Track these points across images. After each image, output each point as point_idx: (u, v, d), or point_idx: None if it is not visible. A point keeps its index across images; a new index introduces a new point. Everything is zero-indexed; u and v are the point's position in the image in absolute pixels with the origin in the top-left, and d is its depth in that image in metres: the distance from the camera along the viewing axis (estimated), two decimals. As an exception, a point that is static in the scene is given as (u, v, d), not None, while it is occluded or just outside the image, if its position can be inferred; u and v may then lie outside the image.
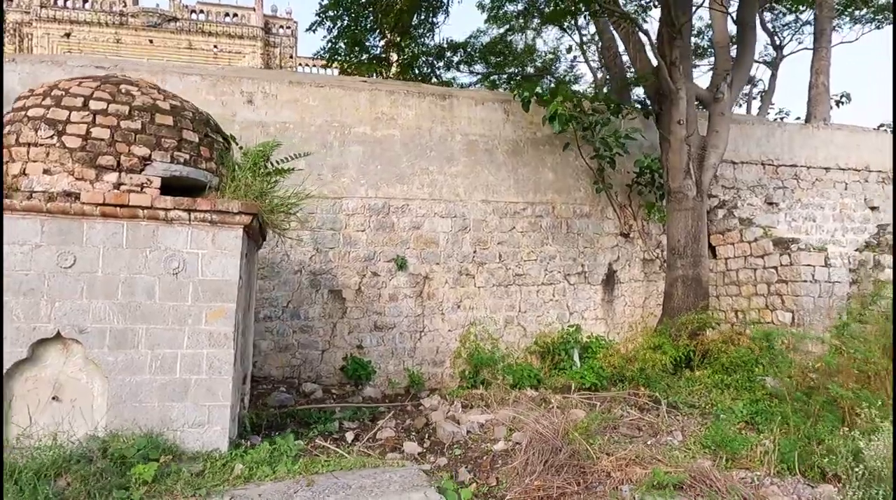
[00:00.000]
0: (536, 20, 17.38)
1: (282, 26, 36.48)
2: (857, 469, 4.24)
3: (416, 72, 16.33)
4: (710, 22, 12.06)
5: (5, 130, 4.69)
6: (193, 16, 34.56)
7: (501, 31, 17.96)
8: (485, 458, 5.53)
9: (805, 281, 8.08)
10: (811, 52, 13.46)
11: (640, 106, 9.53)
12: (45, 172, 4.54)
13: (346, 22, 14.90)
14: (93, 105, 4.71)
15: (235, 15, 35.22)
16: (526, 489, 4.52)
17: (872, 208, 11.52)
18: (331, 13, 14.36)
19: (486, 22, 17.53)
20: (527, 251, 9.26)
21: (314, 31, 14.27)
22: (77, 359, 4.33)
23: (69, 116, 4.64)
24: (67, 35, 32.52)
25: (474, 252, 9.01)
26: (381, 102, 8.83)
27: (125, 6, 33.50)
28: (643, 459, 5.20)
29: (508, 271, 9.15)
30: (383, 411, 7.07)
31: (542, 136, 9.36)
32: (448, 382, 8.67)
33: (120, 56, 30.59)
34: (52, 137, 4.57)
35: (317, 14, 13.80)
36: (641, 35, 9.29)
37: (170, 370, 4.42)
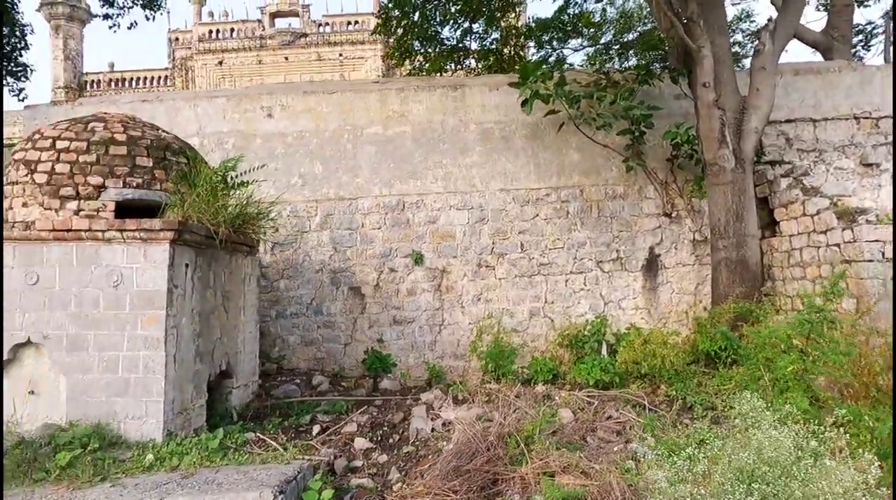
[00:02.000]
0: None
1: (391, 37, 37.82)
2: None
3: (500, 56, 15.98)
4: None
5: (5, 171, 5.72)
6: (320, 29, 37.31)
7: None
8: (429, 457, 5.52)
9: (870, 261, 6.68)
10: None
11: (669, 70, 8.49)
12: (24, 205, 5.46)
13: (415, 18, 15.13)
14: (58, 145, 5.55)
15: (357, 22, 37.32)
16: (413, 493, 4.48)
17: None
18: (396, 13, 14.70)
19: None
20: (552, 239, 8.81)
21: (380, 34, 14.73)
22: (46, 360, 5.19)
23: (40, 156, 5.51)
24: (220, 63, 37.09)
25: (493, 243, 8.80)
26: (391, 101, 8.98)
27: (264, 30, 37.25)
28: (573, 468, 4.82)
29: (532, 261, 8.79)
30: (378, 404, 7.30)
31: (565, 116, 8.79)
32: (470, 375, 8.62)
33: (261, 75, 34.33)
34: (26, 175, 5.47)
35: (376, 16, 14.22)
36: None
37: (114, 370, 5.10)
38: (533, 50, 17.57)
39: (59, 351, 5.12)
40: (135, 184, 5.61)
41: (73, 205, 5.42)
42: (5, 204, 5.59)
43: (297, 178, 8.82)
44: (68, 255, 5.18)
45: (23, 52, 14.02)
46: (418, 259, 8.75)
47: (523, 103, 7.79)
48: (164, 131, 6.23)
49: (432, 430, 6.18)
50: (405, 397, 7.68)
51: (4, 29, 13.05)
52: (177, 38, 38.80)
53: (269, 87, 9.35)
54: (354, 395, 7.67)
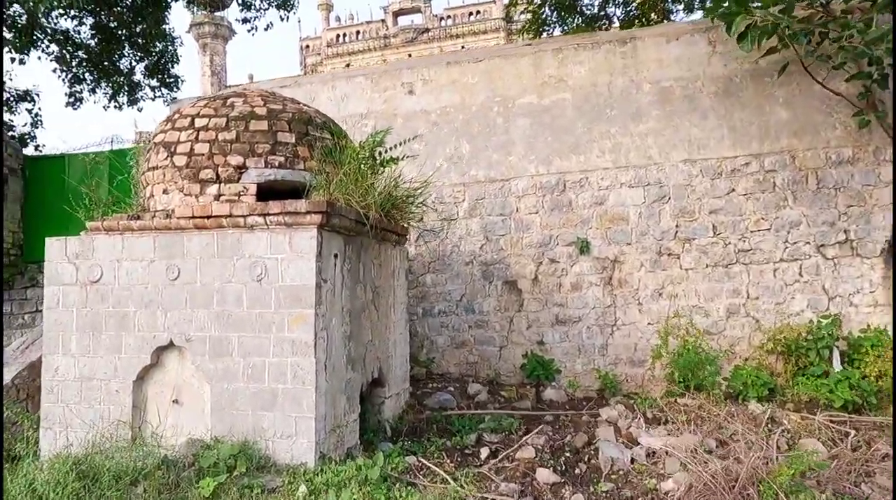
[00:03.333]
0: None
1: (522, 11, 36.41)
2: None
3: (647, 22, 14.15)
4: None
5: (143, 158, 5.24)
6: (442, 23, 36.90)
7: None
8: (640, 502, 4.23)
9: None
10: None
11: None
12: (164, 191, 4.92)
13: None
14: (197, 122, 4.94)
15: (478, 12, 36.44)
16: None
17: None
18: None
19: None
20: (754, 219, 7.07)
21: (515, 7, 13.50)
22: (189, 365, 4.57)
23: (179, 136, 4.94)
24: (348, 65, 37.98)
25: (677, 226, 7.24)
26: (546, 64, 7.71)
27: (387, 29, 37.57)
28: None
29: (728, 247, 7.11)
30: (549, 420, 6.11)
31: (768, 64, 7.00)
32: (651, 386, 7.16)
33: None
34: (166, 158, 4.92)
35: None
36: None
37: (260, 379, 4.36)
38: (682, 14, 15.40)
39: (202, 356, 4.48)
40: (277, 163, 4.87)
41: (213, 189, 4.78)
42: (147, 191, 5.10)
43: (441, 160, 7.86)
44: (209, 245, 4.51)
45: (174, 64, 14.61)
46: (584, 248, 7.42)
47: (740, 37, 6.16)
48: (305, 105, 5.47)
49: (632, 461, 4.86)
50: (578, 412, 6.41)
51: (154, 42, 13.53)
52: (307, 46, 40.34)
53: (411, 61, 8.47)
54: (518, 408, 6.53)
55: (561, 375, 7.38)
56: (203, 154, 4.81)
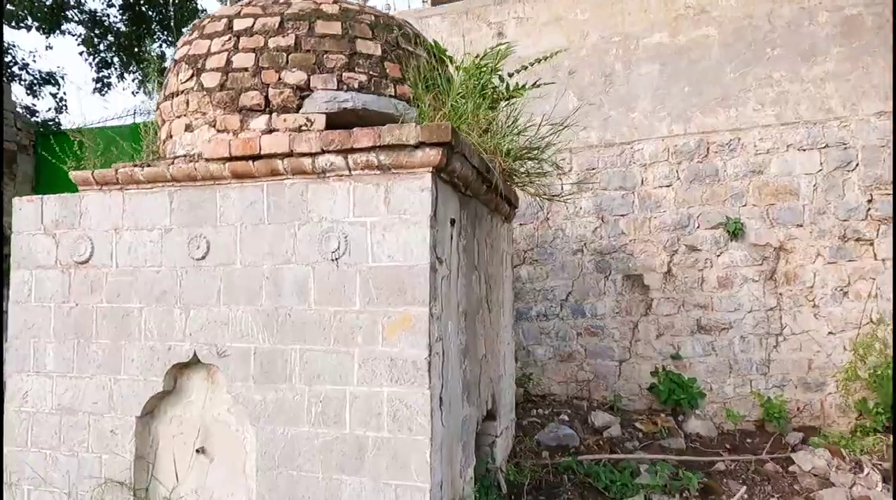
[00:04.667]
0: None
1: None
2: None
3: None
4: None
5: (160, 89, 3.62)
6: None
7: None
8: None
9: None
10: None
11: None
12: (187, 128, 3.27)
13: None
14: (237, 25, 3.28)
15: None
16: None
17: None
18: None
19: None
20: (982, 191, 5.15)
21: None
22: (223, 394, 2.90)
23: (209, 46, 3.29)
24: None
25: (869, 201, 5.35)
26: (682, -9, 5.91)
27: None
28: None
29: (943, 230, 5.21)
30: (723, 471, 4.30)
31: None
32: (834, 417, 5.29)
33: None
34: (190, 78, 3.27)
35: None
36: None
37: (335, 420, 2.66)
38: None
39: (243, 381, 2.80)
40: (356, 84, 3.18)
41: (260, 122, 3.11)
42: (163, 132, 3.47)
43: (538, 118, 6.10)
44: (256, 204, 2.84)
45: None
46: (736, 231, 5.59)
47: None
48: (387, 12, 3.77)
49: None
50: (759, 458, 4.58)
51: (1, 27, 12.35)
52: None
53: (498, -6, 6.78)
54: (668, 448, 4.73)
55: (705, 399, 5.55)
56: (246, 69, 3.15)
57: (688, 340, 5.69)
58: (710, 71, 5.76)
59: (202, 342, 2.87)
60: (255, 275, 2.81)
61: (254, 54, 3.17)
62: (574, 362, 5.95)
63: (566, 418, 5.22)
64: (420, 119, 3.19)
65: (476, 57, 3.48)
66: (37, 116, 12.61)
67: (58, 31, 12.76)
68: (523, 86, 3.61)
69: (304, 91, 3.13)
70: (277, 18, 3.24)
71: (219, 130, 3.16)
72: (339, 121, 3.16)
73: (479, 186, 3.29)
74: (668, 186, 5.83)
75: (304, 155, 2.71)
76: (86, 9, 13.04)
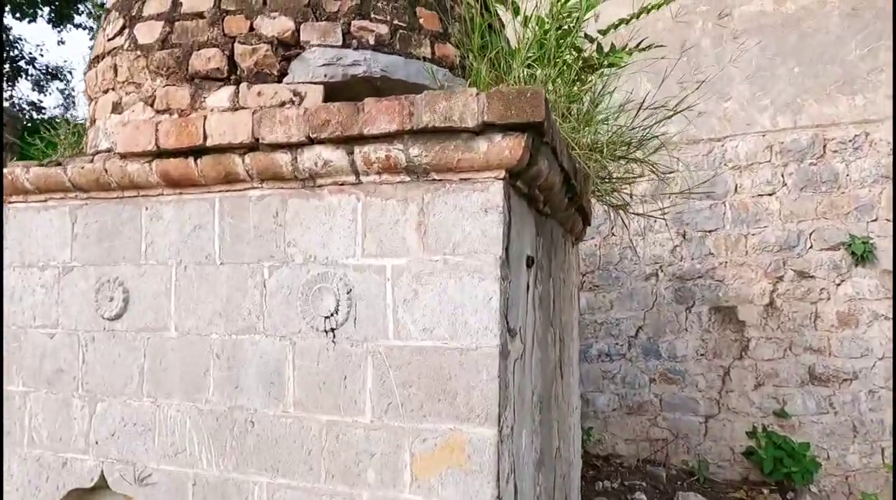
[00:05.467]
0: None
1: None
2: None
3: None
4: None
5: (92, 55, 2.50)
6: None
7: None
8: None
9: None
10: None
11: None
12: (115, 107, 2.14)
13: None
14: (192, -50, 2.14)
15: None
16: None
17: None
18: None
19: None
20: None
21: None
22: (147, 541, 1.76)
23: (150, -16, 2.16)
24: None
25: None
26: (791, -54, 4.65)
27: None
28: None
29: None
30: None
31: None
32: None
33: None
34: (120, 32, 2.15)
35: None
36: None
37: None
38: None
39: (174, 528, 1.65)
40: (372, 39, 2.02)
41: (221, 96, 1.97)
42: (90, 112, 2.35)
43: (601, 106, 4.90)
44: (202, 231, 1.69)
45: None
46: (863, 253, 4.31)
47: None
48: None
49: None
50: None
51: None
52: None
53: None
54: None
55: (821, 470, 4.29)
56: (200, 15, 2.00)
57: (797, 392, 4.43)
58: (829, 47, 4.49)
59: (113, 458, 1.73)
60: (199, 350, 1.67)
61: (213, -7, 2.04)
62: (646, 416, 4.73)
63: (639, 489, 4.00)
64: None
65: (555, 2, 2.30)
66: (43, 113, 11.80)
67: (70, 25, 11.97)
68: (624, 48, 2.43)
69: (290, 49, 1.98)
70: (252, -61, 2.10)
71: (158, 110, 2.03)
72: (344, 95, 2.01)
73: (562, 198, 2.11)
74: (770, 195, 4.57)
75: (278, 147, 1.55)
76: (98, 1, 12.23)
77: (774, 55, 4.60)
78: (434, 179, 1.48)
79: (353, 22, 2.02)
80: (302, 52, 1.99)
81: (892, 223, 4.24)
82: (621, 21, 2.51)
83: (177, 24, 2.03)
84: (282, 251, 1.60)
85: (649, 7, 2.47)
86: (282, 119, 1.51)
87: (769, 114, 4.59)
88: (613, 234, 4.88)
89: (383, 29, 2.05)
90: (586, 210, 2.89)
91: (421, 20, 2.15)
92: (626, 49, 2.44)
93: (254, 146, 1.57)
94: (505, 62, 2.21)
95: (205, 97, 1.99)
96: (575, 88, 2.42)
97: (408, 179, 1.50)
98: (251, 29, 1.98)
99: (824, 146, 4.47)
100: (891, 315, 4.27)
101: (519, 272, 1.61)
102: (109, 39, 2.16)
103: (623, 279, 4.86)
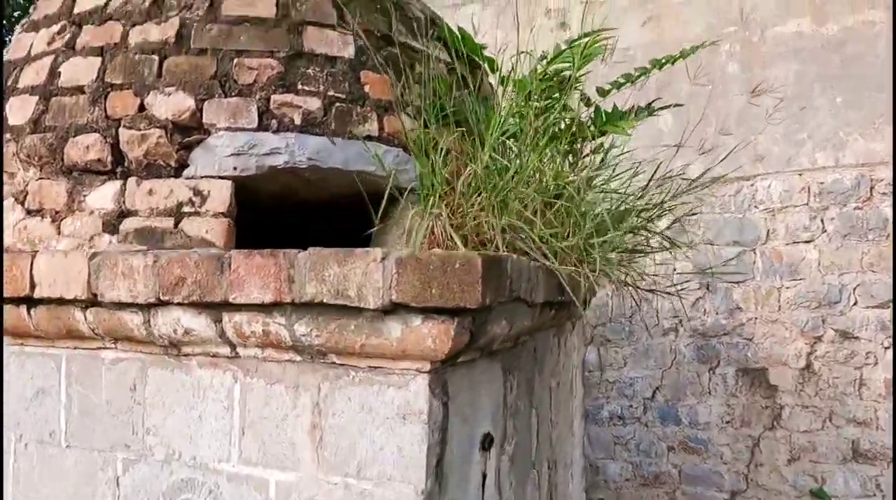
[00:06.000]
0: None
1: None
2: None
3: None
4: None
5: None
6: None
7: None
8: None
9: None
10: None
11: None
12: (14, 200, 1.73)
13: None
14: (81, 2, 1.72)
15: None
16: None
17: None
18: None
19: None
20: None
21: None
22: None
23: (32, 42, 1.74)
24: None
25: None
26: (834, -42, 4.08)
27: None
28: None
29: None
30: None
31: None
32: None
33: None
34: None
35: None
36: None
37: None
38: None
39: None
40: (298, 117, 1.57)
41: (103, 195, 1.54)
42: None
43: (617, 141, 4.39)
44: (45, 398, 1.26)
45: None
46: (916, 313, 3.75)
47: None
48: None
49: None
50: None
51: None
52: None
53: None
54: None
55: (865, 563, 3.73)
56: (80, 90, 1.58)
57: (838, 470, 3.87)
58: (876, 73, 3.91)
59: None
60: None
61: (99, 59, 1.60)
62: (663, 489, 4.21)
63: None
64: (426, 183, 1.59)
65: (543, 59, 1.84)
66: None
67: None
68: (631, 111, 1.95)
69: (190, 133, 1.54)
70: (151, -13, 1.66)
71: (30, 211, 1.61)
72: (263, 190, 1.57)
73: (546, 316, 1.64)
74: (808, 242, 4.01)
75: (122, 307, 1.11)
76: None
77: (812, 83, 4.04)
78: (334, 363, 1.02)
79: (273, 96, 1.57)
80: (206, 137, 1.54)
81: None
82: (626, 80, 2.02)
83: (53, 100, 1.61)
84: (140, 440, 1.16)
85: (661, 62, 1.98)
86: (125, 270, 1.07)
87: (807, 150, 4.03)
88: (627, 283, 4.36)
89: (313, 103, 1.60)
90: (586, 299, 2.41)
91: (366, 87, 1.69)
92: (633, 113, 1.95)
93: (93, 301, 1.13)
94: (478, 130, 1.76)
95: (84, 195, 1.57)
96: (568, 162, 1.96)
97: (298, 358, 1.05)
98: (141, 108, 1.55)
99: (871, 188, 3.90)
100: (950, 385, 3.70)
101: (465, 477, 1.15)
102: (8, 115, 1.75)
103: (638, 334, 4.34)
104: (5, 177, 1.71)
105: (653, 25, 4.57)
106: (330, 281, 0.92)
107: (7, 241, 1.63)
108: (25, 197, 1.62)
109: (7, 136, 1.63)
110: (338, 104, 1.63)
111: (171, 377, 1.15)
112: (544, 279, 1.41)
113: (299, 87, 1.60)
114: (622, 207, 2.21)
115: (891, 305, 3.82)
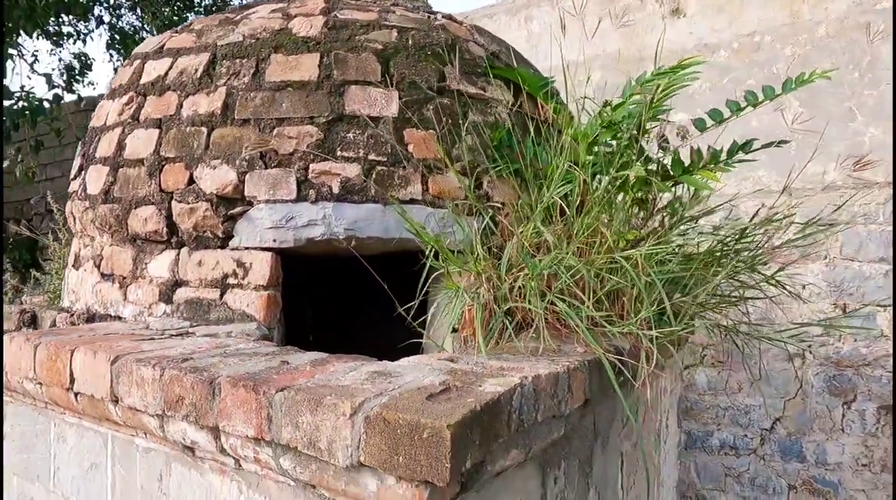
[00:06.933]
0: None
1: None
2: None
3: None
4: None
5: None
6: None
7: None
8: None
9: None
10: None
11: None
12: (76, 260, 1.90)
13: None
14: (148, 71, 1.81)
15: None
16: None
17: None
18: None
19: None
20: None
21: None
22: None
23: (108, 112, 1.86)
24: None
25: None
26: None
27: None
28: None
29: None
30: None
31: None
32: None
33: None
34: (79, 173, 1.89)
35: None
36: None
37: None
38: None
39: None
40: (337, 185, 1.53)
41: (161, 265, 1.61)
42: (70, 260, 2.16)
43: (734, 137, 3.89)
44: (96, 472, 1.35)
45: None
46: None
47: None
48: (434, 17, 2.01)
49: None
50: None
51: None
52: None
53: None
54: None
55: None
56: (140, 162, 1.66)
57: None
58: None
59: None
60: None
61: (157, 132, 1.67)
62: (781, 530, 3.79)
63: None
64: (472, 246, 1.48)
65: (607, 105, 1.65)
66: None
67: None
68: (718, 155, 1.69)
69: (234, 205, 1.56)
70: (206, 56, 1.69)
71: (103, 275, 1.73)
72: (304, 255, 1.57)
73: (590, 410, 1.47)
74: (978, 261, 3.32)
75: (138, 411, 1.14)
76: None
77: None
78: (324, 495, 0.97)
79: (311, 165, 1.54)
80: (249, 208, 1.56)
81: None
82: (734, 109, 1.75)
83: (120, 171, 1.71)
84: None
85: (742, 107, 1.69)
86: (138, 380, 1.10)
87: (982, 149, 3.31)
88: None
89: (352, 170, 1.55)
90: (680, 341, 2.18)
91: (410, 147, 1.61)
92: (719, 158, 1.68)
93: (115, 400, 1.18)
94: (538, 181, 1.63)
95: (146, 263, 1.65)
96: (641, 212, 1.75)
97: (291, 483, 1.01)
98: (190, 181, 1.59)
99: None
100: None
101: None
102: (73, 178, 1.91)
103: (756, 357, 3.89)
104: (86, 240, 1.86)
105: (784, 2, 3.98)
106: (303, 429, 0.88)
107: (87, 301, 1.77)
108: (101, 261, 1.75)
109: (87, 204, 1.76)
110: (378, 168, 1.57)
111: (189, 476, 1.18)
112: (585, 376, 1.25)
113: (339, 153, 1.55)
114: (718, 250, 1.96)
115: None
